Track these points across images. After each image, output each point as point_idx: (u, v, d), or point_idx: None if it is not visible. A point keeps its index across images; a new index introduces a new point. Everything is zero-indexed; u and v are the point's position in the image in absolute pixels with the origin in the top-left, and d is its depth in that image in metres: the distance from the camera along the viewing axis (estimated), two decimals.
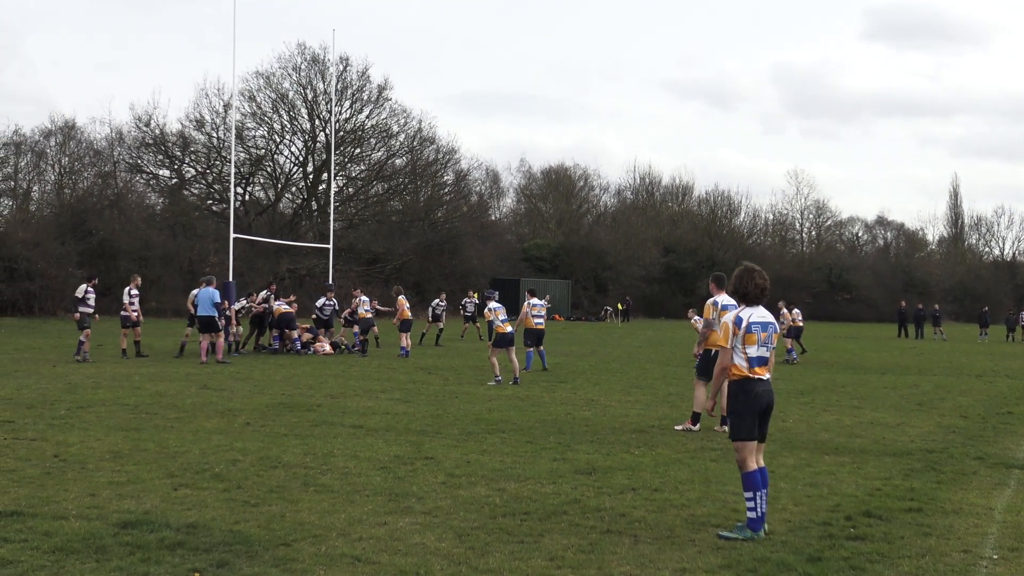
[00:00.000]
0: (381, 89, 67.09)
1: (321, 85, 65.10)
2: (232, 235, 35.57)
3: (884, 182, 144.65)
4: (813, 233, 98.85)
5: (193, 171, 65.12)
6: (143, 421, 13.91)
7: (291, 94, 65.67)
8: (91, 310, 24.73)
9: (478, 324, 39.08)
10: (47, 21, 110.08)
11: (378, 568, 6.93)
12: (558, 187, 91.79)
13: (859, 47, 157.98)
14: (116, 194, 58.80)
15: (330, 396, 17.66)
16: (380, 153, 69.19)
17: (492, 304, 22.45)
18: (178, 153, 63.86)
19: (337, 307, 31.26)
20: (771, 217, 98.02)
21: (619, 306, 71.45)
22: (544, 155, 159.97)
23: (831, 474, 10.90)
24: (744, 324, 8.17)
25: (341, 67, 64.08)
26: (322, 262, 51.06)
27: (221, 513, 8.41)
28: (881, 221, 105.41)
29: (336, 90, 59.92)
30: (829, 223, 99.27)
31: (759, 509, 7.95)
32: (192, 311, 25.71)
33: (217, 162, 63.45)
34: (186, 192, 64.65)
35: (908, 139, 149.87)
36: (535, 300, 24.85)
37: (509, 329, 21.51)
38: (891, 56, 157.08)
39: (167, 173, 64.72)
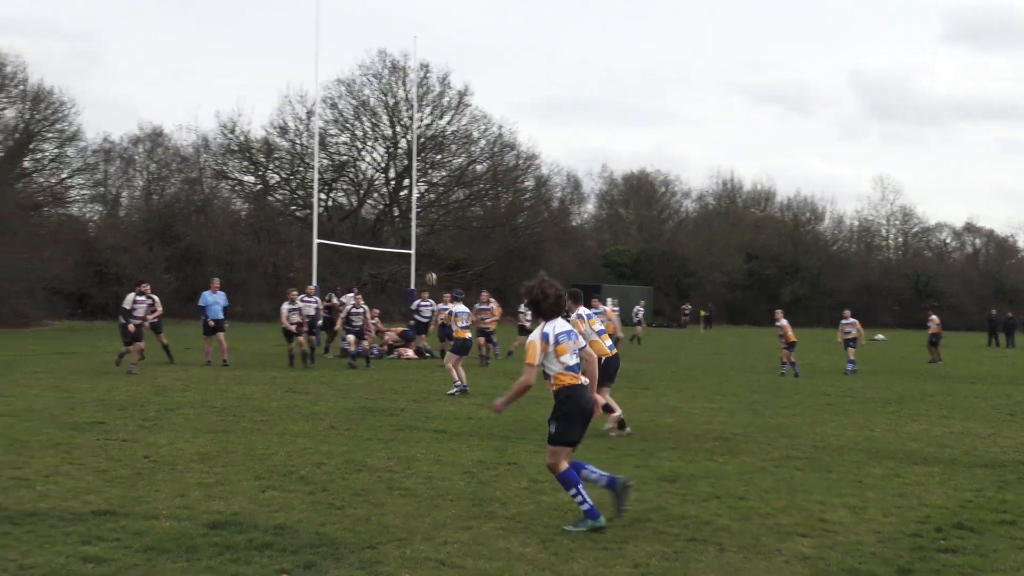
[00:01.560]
0: (461, 95, 67.44)
1: (402, 92, 65.60)
2: (316, 240, 35.93)
3: (969, 187, 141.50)
4: (900, 239, 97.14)
5: (277, 177, 66.01)
6: (230, 424, 14.11)
7: (372, 101, 66.27)
8: (139, 321, 22.22)
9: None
10: (131, 30, 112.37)
11: (463, 572, 6.95)
12: (639, 192, 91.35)
13: (939, 50, 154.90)
14: (202, 200, 59.84)
15: (413, 401, 17.76)
16: (461, 159, 69.51)
17: (456, 308, 21.93)
18: (262, 159, 64.77)
19: (434, 307, 30.40)
20: (856, 224, 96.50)
21: (701, 312, 70.87)
22: (622, 161, 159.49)
23: (920, 485, 10.71)
24: (552, 338, 8.36)
25: (422, 74, 64.52)
26: (404, 267, 51.37)
27: (307, 515, 8.50)
28: (970, 228, 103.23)
29: (417, 96, 60.31)
30: (916, 229, 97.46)
31: (587, 499, 8.22)
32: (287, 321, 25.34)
33: (300, 168, 64.23)
34: (270, 198, 65.50)
35: (992, 143, 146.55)
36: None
37: (469, 335, 21.13)
38: (972, 59, 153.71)
39: (252, 179, 65.71)
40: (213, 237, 54.90)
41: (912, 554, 7.74)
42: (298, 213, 64.48)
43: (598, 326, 14.09)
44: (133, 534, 7.65)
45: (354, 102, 66.05)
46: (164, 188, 60.92)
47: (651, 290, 76.61)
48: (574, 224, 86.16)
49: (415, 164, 52.58)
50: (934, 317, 36.12)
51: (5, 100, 51.08)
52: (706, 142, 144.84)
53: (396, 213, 68.01)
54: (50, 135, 53.28)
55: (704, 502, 9.50)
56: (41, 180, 54.60)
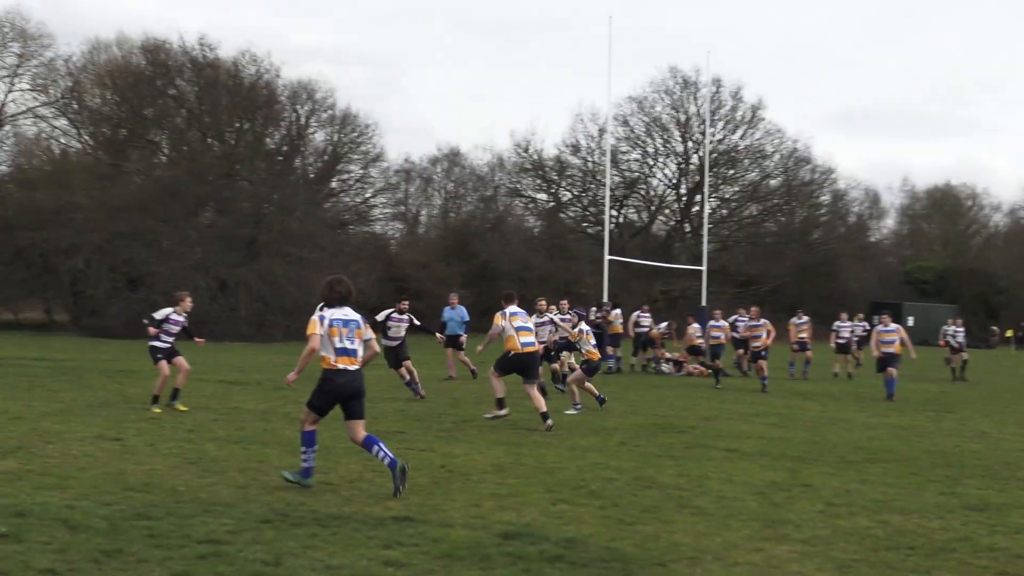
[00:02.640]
0: (755, 109, 66.45)
1: (693, 107, 65.30)
2: (607, 257, 36.23)
3: None
4: None
5: (569, 194, 67.05)
6: (522, 437, 14.37)
7: (664, 117, 66.29)
8: (168, 344, 16.30)
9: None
10: (428, 55, 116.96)
11: None
12: (943, 206, 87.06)
13: None
14: (497, 217, 61.52)
15: (704, 419, 17.56)
16: (754, 174, 68.47)
17: (583, 327, 18.96)
18: (555, 177, 65.97)
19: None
20: None
21: (1008, 333, 66.71)
22: (923, 173, 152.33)
23: None
24: (327, 321, 9.93)
25: (713, 88, 64.00)
26: (695, 284, 51.03)
27: (597, 530, 8.53)
28: None
29: (709, 111, 59.92)
30: None
31: (310, 462, 9.98)
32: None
33: (592, 185, 64.99)
34: (562, 215, 66.60)
35: None
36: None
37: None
38: None
39: (544, 196, 67.03)
40: (507, 254, 56.27)
41: None
42: (589, 230, 65.24)
43: (518, 323, 16.14)
44: (430, 540, 7.89)
45: (645, 119, 66.30)
46: (460, 206, 63.18)
47: (957, 309, 72.77)
48: (872, 240, 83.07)
49: (707, 180, 52.19)
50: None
51: (315, 124, 54.41)
52: (1017, 153, 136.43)
53: (687, 229, 67.70)
54: (355, 157, 56.37)
55: (1017, 534, 8.90)
56: (347, 199, 57.79)
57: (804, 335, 29.34)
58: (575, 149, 65.14)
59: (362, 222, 58.61)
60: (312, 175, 54.72)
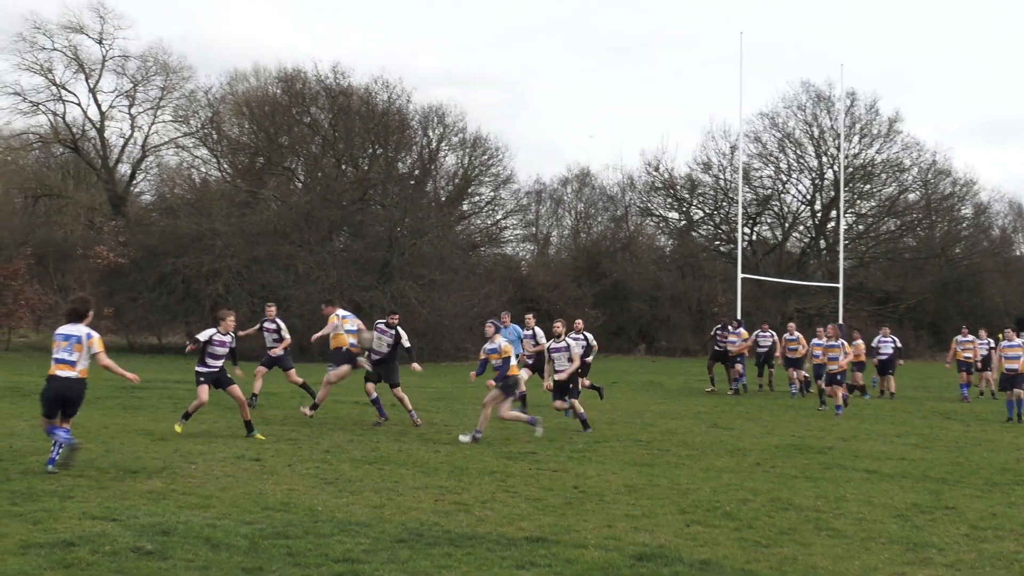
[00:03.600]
0: (892, 122, 64.88)
1: (827, 121, 64.11)
2: (740, 275, 35.80)
3: None
4: None
5: (701, 213, 66.47)
6: (655, 457, 14.26)
7: (796, 132, 65.27)
8: (215, 368, 15.29)
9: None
10: (554, 76, 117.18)
11: None
12: None
13: None
14: (627, 237, 61.32)
15: (841, 439, 17.18)
16: (891, 188, 66.87)
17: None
18: (686, 195, 65.48)
19: (898, 343, 28.61)
20: None
21: None
22: None
23: None
24: (58, 336, 11.65)
25: (848, 102, 62.81)
26: (831, 302, 50.07)
27: (733, 552, 8.41)
28: None
29: (844, 126, 58.80)
30: None
31: (56, 452, 11.22)
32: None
33: (724, 203, 64.33)
34: (694, 233, 66.06)
35: None
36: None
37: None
38: None
39: (675, 215, 66.56)
40: (638, 273, 56.04)
41: None
42: (722, 248, 64.56)
43: (348, 325, 17.68)
44: (564, 561, 7.88)
45: (778, 134, 65.36)
46: (591, 226, 63.11)
47: None
48: (1017, 254, 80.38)
49: (843, 195, 51.23)
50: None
51: (446, 148, 55.04)
52: None
53: (823, 246, 66.43)
54: (486, 179, 56.80)
55: None
56: (478, 222, 58.25)
57: (970, 354, 28.14)
58: (707, 167, 64.59)
59: (493, 244, 59.03)
60: (443, 198, 55.34)
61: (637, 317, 55.00)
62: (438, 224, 49.48)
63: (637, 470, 12.86)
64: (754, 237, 65.90)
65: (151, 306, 43.26)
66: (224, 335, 15.29)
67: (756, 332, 29.22)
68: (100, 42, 52.64)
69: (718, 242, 65.78)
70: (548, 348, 18.22)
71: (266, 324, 20.28)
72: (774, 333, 29.14)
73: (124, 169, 56.55)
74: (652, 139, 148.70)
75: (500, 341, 16.29)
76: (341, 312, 18.18)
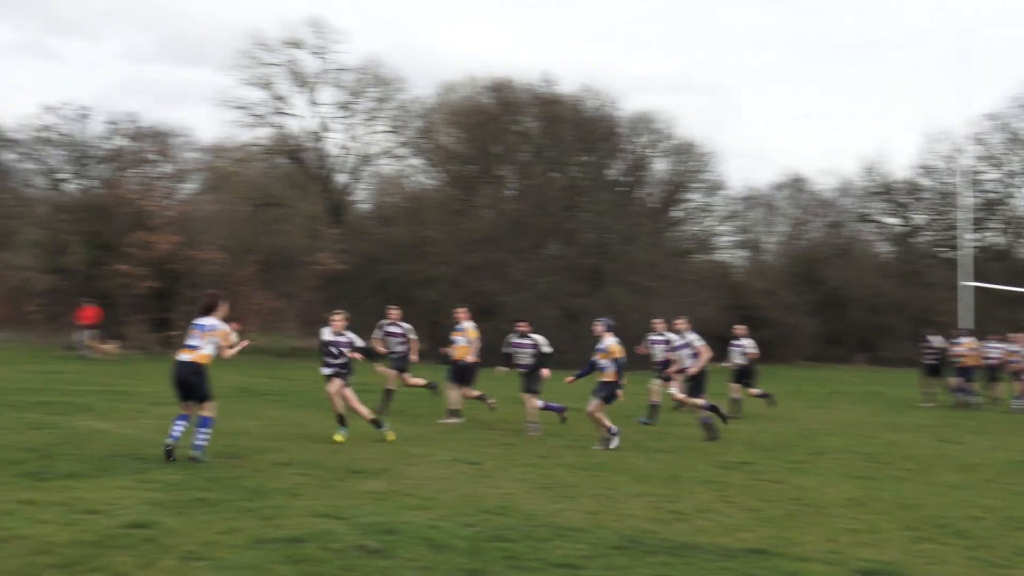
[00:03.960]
0: None
1: None
2: (962, 283, 34.31)
3: None
4: None
5: (921, 218, 64.12)
6: (878, 470, 13.79)
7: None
8: (334, 367, 15.23)
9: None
10: (764, 80, 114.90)
11: None
12: None
13: None
14: (844, 243, 59.69)
15: None
16: None
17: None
18: (906, 200, 63.29)
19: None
20: None
21: None
22: None
23: None
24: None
25: None
26: None
27: (966, 571, 8.04)
28: None
29: None
30: None
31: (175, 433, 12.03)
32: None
33: (947, 208, 61.85)
34: (915, 240, 63.78)
35: None
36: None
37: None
38: None
39: (895, 221, 64.40)
40: (856, 280, 54.51)
41: None
42: (946, 254, 62.10)
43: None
44: (785, 574, 7.68)
45: (1005, 136, 62.45)
46: (806, 232, 61.69)
47: None
48: None
49: None
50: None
51: (656, 154, 54.73)
52: None
53: None
54: (696, 185, 56.21)
55: None
56: (689, 228, 57.71)
57: None
58: (927, 171, 62.27)
59: (705, 250, 58.37)
60: (654, 205, 55.04)
61: (856, 325, 53.50)
62: (649, 231, 49.28)
63: (859, 483, 12.45)
64: (980, 243, 63.12)
65: (370, 311, 44.48)
66: (337, 336, 15.20)
67: (981, 343, 27.75)
68: (318, 56, 54.48)
69: (941, 248, 63.32)
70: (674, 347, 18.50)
71: (388, 327, 19.42)
72: (1006, 344, 27.59)
73: (342, 178, 58.44)
74: (865, 143, 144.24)
75: (608, 341, 15.99)
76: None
